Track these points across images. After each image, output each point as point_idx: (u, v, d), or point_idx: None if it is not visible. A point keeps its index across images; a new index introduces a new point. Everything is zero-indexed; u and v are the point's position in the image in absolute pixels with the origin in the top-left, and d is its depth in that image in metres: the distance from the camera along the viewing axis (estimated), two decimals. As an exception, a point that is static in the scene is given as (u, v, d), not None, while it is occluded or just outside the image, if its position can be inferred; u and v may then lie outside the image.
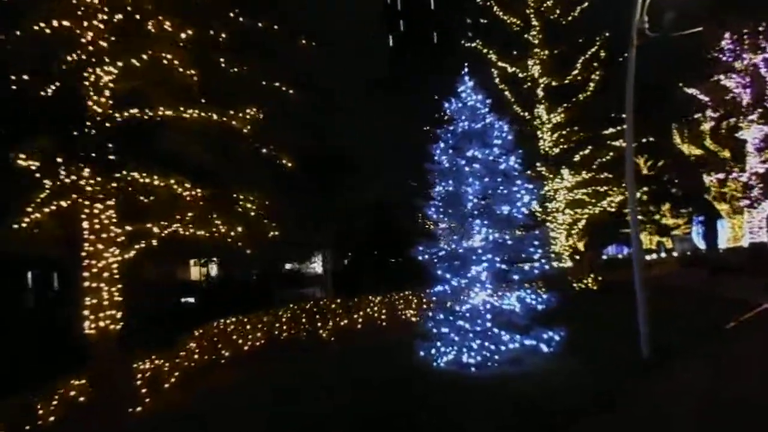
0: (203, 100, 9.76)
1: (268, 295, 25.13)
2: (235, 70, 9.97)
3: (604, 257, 78.61)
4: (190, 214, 9.97)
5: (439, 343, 11.76)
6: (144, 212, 10.08)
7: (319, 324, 17.02)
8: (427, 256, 11.75)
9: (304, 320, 16.93)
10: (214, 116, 9.75)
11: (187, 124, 9.71)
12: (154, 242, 10.02)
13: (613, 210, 22.71)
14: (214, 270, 31.73)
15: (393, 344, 14.02)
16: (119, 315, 10.20)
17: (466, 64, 12.02)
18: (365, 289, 21.28)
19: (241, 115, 9.98)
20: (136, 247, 10.04)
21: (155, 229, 9.96)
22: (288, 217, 12.96)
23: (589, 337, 13.10)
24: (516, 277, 11.74)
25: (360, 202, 24.38)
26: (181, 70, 9.45)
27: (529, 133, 22.02)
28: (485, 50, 22.14)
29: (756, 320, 15.81)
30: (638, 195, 23.03)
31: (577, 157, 21.68)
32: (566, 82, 22.18)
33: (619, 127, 21.68)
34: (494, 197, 11.77)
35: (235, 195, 10.12)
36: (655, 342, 11.42)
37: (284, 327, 16.37)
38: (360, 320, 18.34)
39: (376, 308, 18.89)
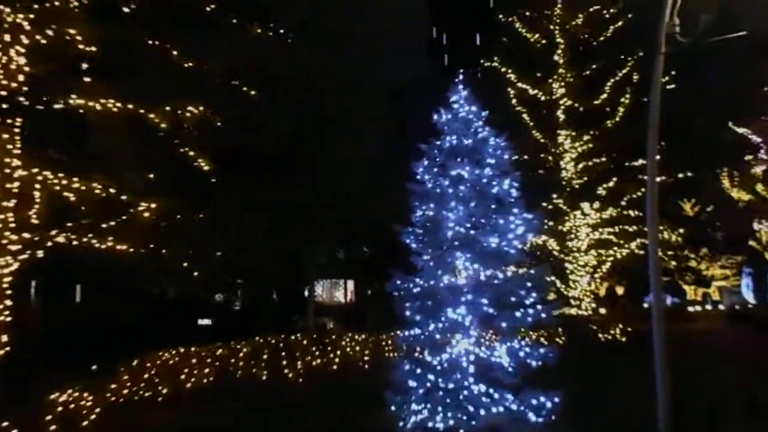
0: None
1: (287, 322, 23.34)
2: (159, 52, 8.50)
3: (645, 305, 74.82)
4: (83, 221, 8.44)
5: (411, 399, 9.78)
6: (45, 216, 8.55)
7: (285, 362, 15.01)
8: (400, 293, 9.86)
9: (265, 356, 14.92)
10: (130, 106, 8.22)
11: (104, 117, 8.22)
12: (40, 253, 8.44)
13: (642, 253, 20.18)
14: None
15: (364, 391, 12.01)
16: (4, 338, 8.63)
17: (461, 70, 10.24)
18: (369, 325, 19.40)
19: (170, 108, 8.47)
20: (20, 258, 8.48)
21: (42, 238, 8.41)
22: (198, 229, 11.18)
23: (594, 404, 10.85)
24: (504, 324, 9.71)
25: (358, 224, 21.93)
26: (81, 46, 8.00)
27: (550, 162, 19.96)
28: (504, 69, 20.32)
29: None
30: (672, 237, 20.56)
31: (601, 191, 19.41)
32: (593, 106, 20.04)
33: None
34: (482, 226, 9.82)
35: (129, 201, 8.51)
36: (680, 414, 9.15)
37: (242, 363, 14.42)
38: (336, 360, 16.21)
39: (357, 347, 16.79)
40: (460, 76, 10.68)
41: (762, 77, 35.17)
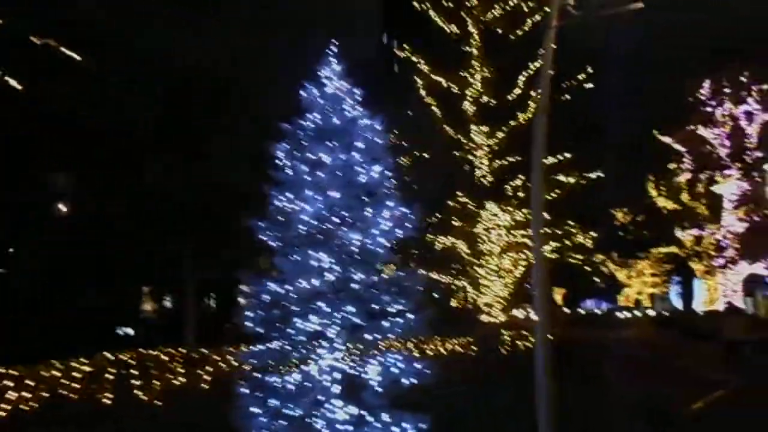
0: None
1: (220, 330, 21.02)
2: None
3: (581, 311, 75.84)
4: None
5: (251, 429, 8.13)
6: None
7: (141, 381, 13.00)
8: (250, 301, 8.24)
9: (113, 375, 12.84)
10: None
11: None
12: None
13: (552, 257, 19.35)
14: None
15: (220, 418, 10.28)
16: None
17: (333, 40, 8.74)
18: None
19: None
20: None
21: None
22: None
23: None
24: (371, 336, 8.23)
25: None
26: None
27: (462, 160, 18.82)
28: (416, 60, 19.06)
29: (714, 409, 12.37)
30: (582, 240, 19.81)
31: (509, 190, 18.47)
32: (506, 101, 19.01)
33: (560, 156, 18.56)
34: (344, 220, 8.32)
35: None
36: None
37: (81, 384, 12.28)
38: (209, 378, 13.99)
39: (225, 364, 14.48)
40: (333, 48, 9.12)
41: (687, 89, 35.67)
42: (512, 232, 19.14)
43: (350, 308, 8.49)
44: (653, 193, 40.53)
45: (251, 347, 8.59)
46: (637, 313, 62.26)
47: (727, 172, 34.73)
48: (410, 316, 8.64)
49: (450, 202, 18.17)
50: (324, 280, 8.51)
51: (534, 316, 30.11)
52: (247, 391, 8.32)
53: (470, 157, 18.69)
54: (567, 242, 19.66)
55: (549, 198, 18.68)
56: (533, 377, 8.83)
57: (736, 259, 34.69)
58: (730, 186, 34.83)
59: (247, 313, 8.26)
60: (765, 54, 33.30)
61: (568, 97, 19.00)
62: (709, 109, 35.48)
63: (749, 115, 34.79)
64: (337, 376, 8.54)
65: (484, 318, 18.75)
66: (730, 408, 12.30)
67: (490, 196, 17.34)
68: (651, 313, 62.05)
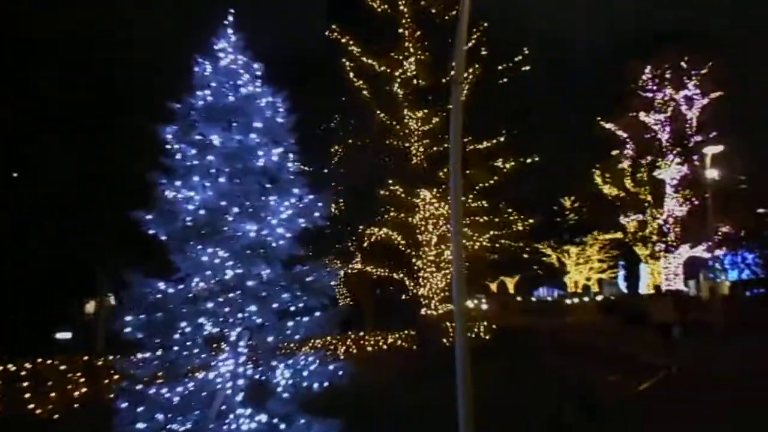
0: None
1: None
2: None
3: (533, 299, 76.97)
4: None
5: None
6: None
7: (30, 394, 11.68)
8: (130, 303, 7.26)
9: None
10: None
11: None
12: None
13: (490, 246, 18.85)
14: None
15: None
16: None
17: (231, 10, 7.76)
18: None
19: None
20: None
21: None
22: None
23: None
24: (273, 337, 7.38)
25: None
26: None
27: (396, 146, 17.97)
28: (345, 40, 17.97)
29: (653, 394, 12.09)
30: (520, 228, 19.36)
31: (443, 176, 17.65)
32: (439, 84, 18.15)
33: (495, 141, 17.99)
34: (238, 210, 7.41)
35: None
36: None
37: None
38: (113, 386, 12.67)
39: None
40: (230, 17, 8.12)
41: (629, 76, 35.93)
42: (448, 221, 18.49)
43: (253, 308, 7.67)
44: (598, 180, 40.85)
45: (132, 356, 7.66)
46: (585, 298, 63.50)
47: (668, 157, 35.20)
48: (318, 314, 7.88)
49: (382, 191, 17.30)
50: (217, 278, 7.65)
51: (484, 306, 30.24)
52: (126, 404, 7.39)
53: (405, 143, 17.85)
54: (506, 230, 19.13)
55: (486, 185, 18.19)
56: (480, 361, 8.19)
57: (678, 243, 35.28)
58: (671, 171, 35.32)
59: (126, 317, 7.30)
60: (703, 39, 33.86)
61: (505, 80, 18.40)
62: (649, 94, 35.87)
63: (689, 100, 35.35)
64: (241, 382, 7.71)
65: (423, 311, 18.10)
66: (662, 394, 12.10)
67: (424, 183, 16.55)
68: (599, 298, 63.39)
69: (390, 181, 17.28)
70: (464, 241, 17.92)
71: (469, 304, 55.34)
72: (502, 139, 18.17)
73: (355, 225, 17.80)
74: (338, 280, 20.92)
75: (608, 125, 36.04)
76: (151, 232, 7.61)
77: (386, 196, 17.38)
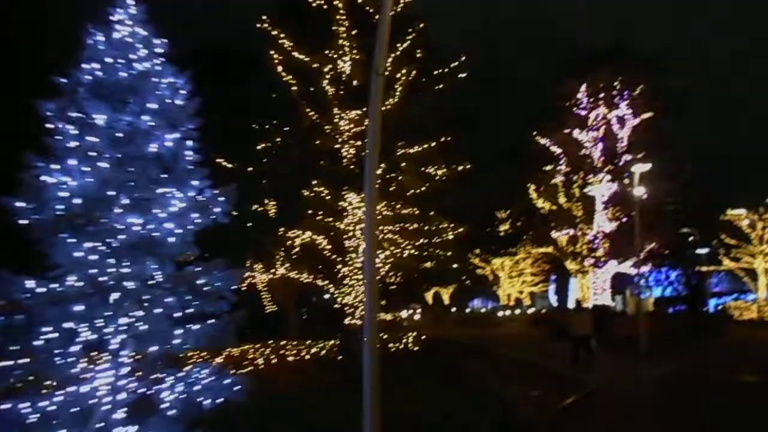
0: None
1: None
2: None
3: (468, 311, 77.57)
4: None
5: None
6: None
7: None
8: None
9: None
10: None
11: None
12: None
13: (417, 254, 18.35)
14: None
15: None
16: None
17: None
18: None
19: None
20: None
21: None
22: None
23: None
24: (159, 347, 6.52)
25: None
26: None
27: (326, 146, 17.15)
28: (276, 33, 17.04)
29: (574, 411, 11.82)
30: (450, 237, 18.97)
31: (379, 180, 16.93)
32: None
33: (426, 145, 17.54)
34: (123, 200, 6.51)
35: None
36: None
37: None
38: None
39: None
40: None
41: (565, 93, 36.67)
42: (381, 227, 17.61)
43: (140, 312, 6.76)
44: (533, 194, 41.47)
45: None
46: (517, 311, 64.56)
47: (599, 174, 36.07)
48: (212, 322, 7.03)
49: (305, 192, 16.44)
50: (91, 277, 6.69)
51: (418, 316, 29.86)
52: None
53: (334, 144, 17.09)
54: (436, 239, 18.66)
55: (418, 191, 17.69)
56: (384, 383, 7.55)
57: (606, 259, 36.12)
58: (602, 188, 36.19)
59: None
60: (637, 60, 34.92)
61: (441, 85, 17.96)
62: (583, 112, 36.73)
63: (621, 120, 36.41)
64: (122, 397, 6.76)
65: (348, 320, 17.34)
66: (582, 412, 11.89)
67: (351, 186, 15.82)
68: (531, 311, 64.55)
69: (315, 182, 16.44)
70: (392, 249, 17.38)
71: (403, 314, 55.20)
72: (434, 144, 17.66)
73: (276, 226, 16.86)
74: (263, 285, 19.92)
75: (543, 140, 36.62)
76: (23, 222, 6.58)
77: (311, 198, 16.52)
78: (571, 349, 16.68)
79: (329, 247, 17.24)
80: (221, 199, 7.08)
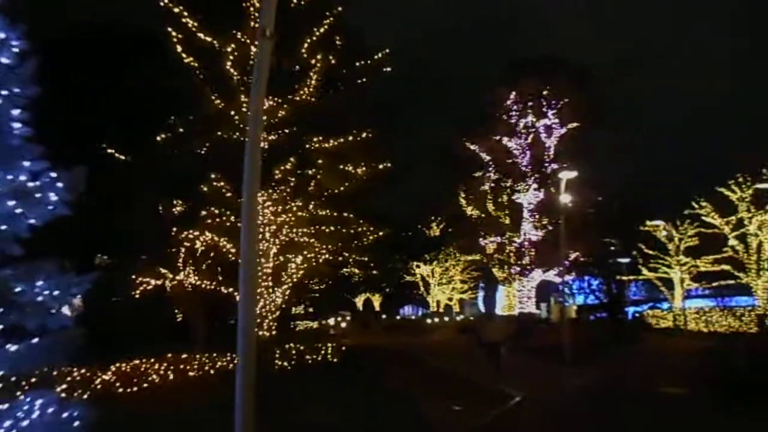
0: None
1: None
2: None
3: (398, 317, 76.83)
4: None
5: None
6: None
7: None
8: None
9: None
10: None
11: None
12: None
13: (331, 259, 17.09)
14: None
15: None
16: None
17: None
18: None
19: None
20: None
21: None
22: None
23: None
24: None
25: None
26: None
27: (233, 137, 15.48)
28: (179, 11, 15.17)
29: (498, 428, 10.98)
30: (370, 240, 17.88)
31: (279, 174, 15.33)
32: (286, 70, 15.96)
33: (342, 139, 16.32)
34: None
35: None
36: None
37: None
38: None
39: None
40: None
41: (495, 100, 36.63)
42: (296, 229, 16.09)
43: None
44: (462, 201, 41.23)
45: None
46: (446, 318, 64.31)
47: (527, 182, 36.14)
48: (37, 341, 5.59)
49: (204, 187, 14.77)
50: None
51: (344, 324, 28.51)
52: None
53: (240, 134, 15.39)
54: (355, 242, 17.47)
55: (336, 191, 16.40)
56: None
57: (532, 267, 36.15)
58: (529, 196, 36.27)
59: None
60: (565, 70, 35.28)
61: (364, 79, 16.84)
62: (513, 120, 36.76)
63: (548, 129, 36.66)
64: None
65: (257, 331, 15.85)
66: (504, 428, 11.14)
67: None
68: (459, 318, 64.48)
69: (213, 176, 14.73)
70: (307, 253, 16.02)
71: (331, 321, 53.75)
72: (351, 138, 16.43)
73: (169, 225, 15.06)
74: (164, 293, 17.96)
75: (473, 146, 36.37)
76: None
77: (209, 194, 14.82)
78: (484, 353, 16.57)
79: (234, 250, 15.57)
80: (59, 185, 5.59)
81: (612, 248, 44.39)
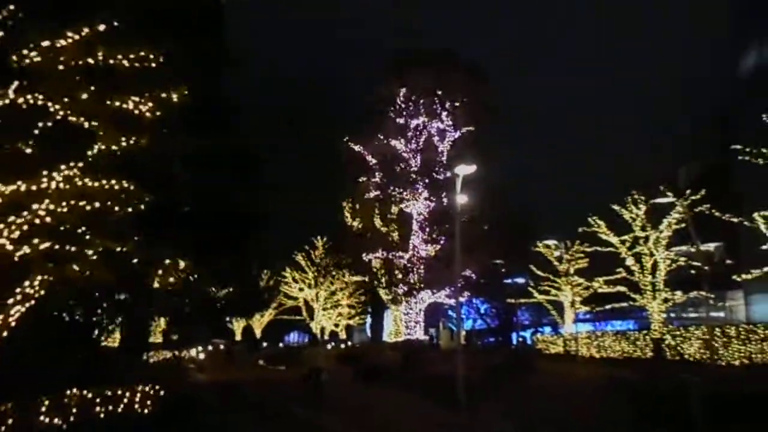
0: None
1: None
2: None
3: (281, 345, 70.72)
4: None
5: None
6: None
7: None
8: None
9: None
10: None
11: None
12: None
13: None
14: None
15: None
16: None
17: None
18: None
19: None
20: None
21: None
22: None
23: None
24: None
25: None
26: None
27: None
28: None
29: None
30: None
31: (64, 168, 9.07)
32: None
33: None
34: None
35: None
36: None
37: None
38: None
39: None
40: None
41: (383, 95, 32.47)
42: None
43: None
44: (347, 213, 36.60)
45: None
46: (329, 346, 58.92)
47: (417, 187, 31.80)
48: None
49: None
50: None
51: (202, 355, 22.52)
52: None
53: None
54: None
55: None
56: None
57: (420, 287, 31.68)
58: (419, 206, 31.98)
59: None
60: (458, 68, 31.83)
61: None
62: (402, 120, 32.52)
63: (442, 132, 32.69)
64: None
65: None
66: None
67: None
68: (343, 345, 59.58)
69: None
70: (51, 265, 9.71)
71: (192, 352, 46.56)
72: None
73: None
74: None
75: (357, 147, 31.74)
76: None
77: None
78: (305, 382, 16.28)
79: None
80: None
81: (503, 270, 41.62)
